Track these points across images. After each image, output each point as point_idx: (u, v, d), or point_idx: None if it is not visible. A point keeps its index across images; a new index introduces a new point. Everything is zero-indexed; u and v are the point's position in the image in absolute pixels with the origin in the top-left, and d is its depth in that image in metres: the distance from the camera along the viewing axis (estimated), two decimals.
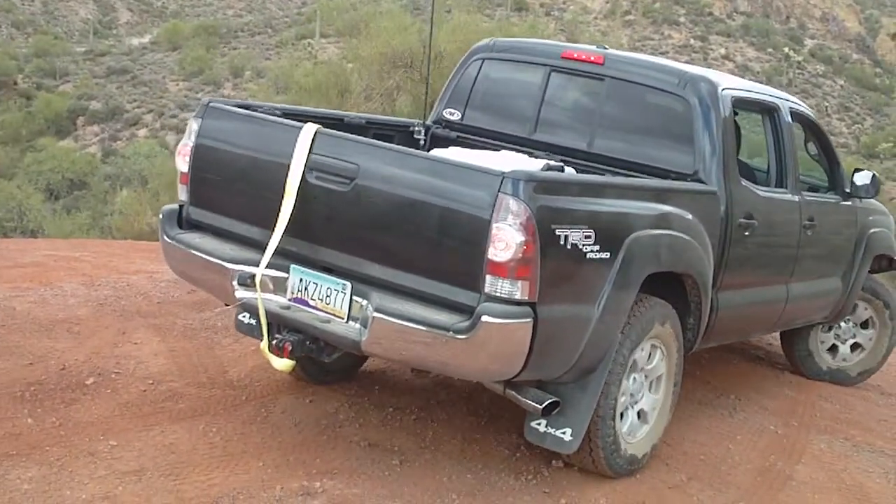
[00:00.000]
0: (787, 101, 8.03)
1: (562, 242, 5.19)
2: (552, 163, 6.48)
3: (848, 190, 8.50)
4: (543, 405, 5.62)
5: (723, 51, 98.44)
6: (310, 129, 5.72)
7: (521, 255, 4.97)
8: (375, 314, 5.24)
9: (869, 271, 9.02)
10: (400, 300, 5.32)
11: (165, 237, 6.21)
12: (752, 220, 6.95)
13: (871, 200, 8.94)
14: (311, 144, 5.65)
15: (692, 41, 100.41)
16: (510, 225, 4.96)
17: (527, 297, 5.06)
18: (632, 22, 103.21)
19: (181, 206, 6.28)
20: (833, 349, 9.35)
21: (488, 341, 5.06)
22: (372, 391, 7.05)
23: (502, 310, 5.02)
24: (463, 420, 6.73)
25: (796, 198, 7.74)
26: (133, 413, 6.33)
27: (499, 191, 5.00)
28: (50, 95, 78.99)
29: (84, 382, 6.67)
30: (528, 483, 6.00)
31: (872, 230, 8.95)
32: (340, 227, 5.61)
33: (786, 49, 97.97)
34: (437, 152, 6.79)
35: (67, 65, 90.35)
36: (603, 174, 6.82)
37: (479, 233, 5.04)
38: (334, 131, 5.92)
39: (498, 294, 5.02)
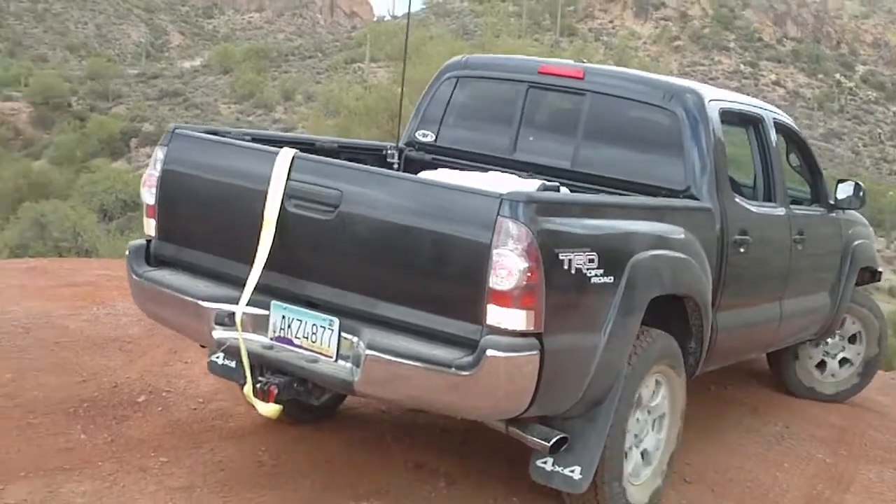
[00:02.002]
0: (770, 111, 7.82)
1: (566, 267, 4.87)
2: (548, 182, 6.16)
3: (832, 202, 8.31)
4: (551, 442, 5.24)
5: (773, 77, 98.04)
6: (287, 153, 5.38)
7: (525, 282, 4.64)
8: (368, 352, 4.89)
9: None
10: (394, 335, 4.97)
11: (133, 275, 5.83)
12: (746, 237, 6.70)
13: (852, 212, 8.80)
14: (289, 170, 5.31)
15: (742, 67, 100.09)
16: (512, 250, 4.64)
17: (532, 328, 4.72)
18: (681, 48, 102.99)
19: (149, 241, 5.90)
20: (821, 365, 9.16)
21: (494, 377, 4.72)
22: (419, 412, 7.07)
23: (508, 342, 4.68)
24: (510, 443, 6.74)
25: (786, 212, 7.54)
26: (183, 431, 6.41)
27: (498, 214, 4.68)
28: (103, 117, 79.92)
29: (135, 400, 6.78)
30: None
31: (856, 242, 8.78)
32: (325, 259, 5.27)
33: (837, 75, 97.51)
34: (426, 174, 6.45)
35: (120, 87, 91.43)
36: (589, 194, 6.47)
37: (478, 260, 4.71)
38: (314, 155, 5.64)
39: (502, 326, 4.69)
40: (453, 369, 4.69)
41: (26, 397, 6.67)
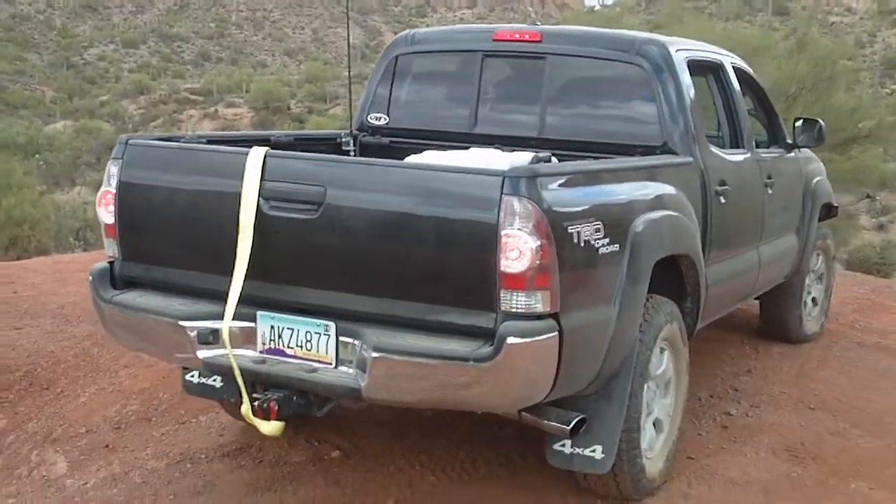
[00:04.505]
0: (727, 55, 7.62)
1: (575, 240, 4.67)
2: (540, 154, 5.95)
3: (790, 141, 8.28)
4: (571, 425, 5.07)
5: None
6: (258, 152, 5.02)
7: (538, 261, 4.43)
8: (374, 354, 4.61)
9: None
10: (399, 334, 4.71)
11: (100, 301, 5.45)
12: (726, 187, 6.54)
13: (806, 150, 8.71)
14: (262, 170, 4.98)
15: None
16: (521, 229, 4.43)
17: (549, 309, 4.52)
18: None
19: (111, 263, 5.51)
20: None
21: (516, 365, 4.51)
22: None
23: (526, 327, 4.48)
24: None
25: (754, 157, 7.41)
26: None
27: (502, 192, 4.45)
28: (321, 119, 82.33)
29: None
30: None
31: (815, 179, 8.78)
32: (312, 261, 4.95)
33: None
34: (412, 158, 6.17)
35: (337, 89, 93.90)
36: (562, 160, 5.99)
37: (486, 244, 4.47)
38: (289, 152, 5.46)
39: (517, 310, 4.48)
40: (471, 362, 4.48)
41: None
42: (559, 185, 4.74)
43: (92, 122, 76.51)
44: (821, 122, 8.36)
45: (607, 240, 4.91)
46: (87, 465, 6.36)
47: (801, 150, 8.56)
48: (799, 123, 8.28)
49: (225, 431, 6.61)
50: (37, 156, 56.57)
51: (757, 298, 8.75)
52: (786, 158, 8.26)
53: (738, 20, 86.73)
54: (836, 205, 9.32)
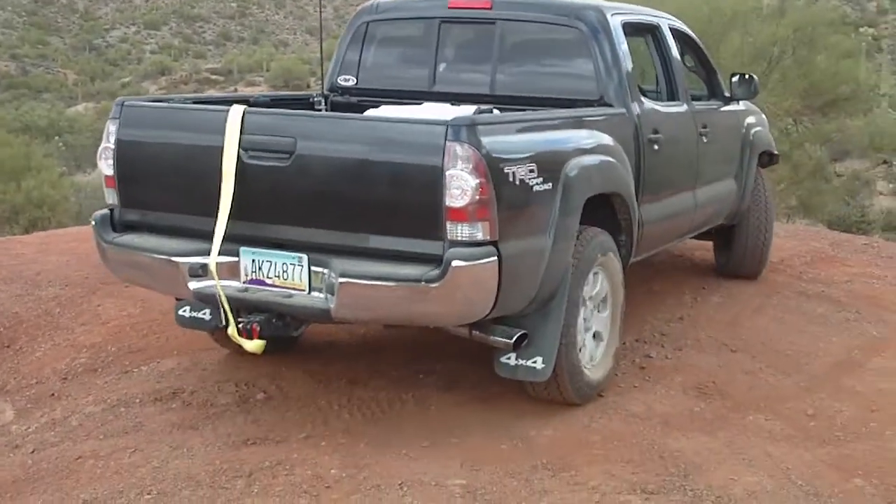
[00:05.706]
0: (665, 18, 8.34)
1: (511, 179, 5.42)
2: (483, 107, 6.68)
3: (728, 94, 8.94)
4: (513, 339, 5.85)
5: None
6: (237, 109, 5.77)
7: (478, 197, 5.18)
8: (341, 279, 5.38)
9: None
10: (361, 262, 5.47)
11: (103, 243, 6.21)
12: (658, 135, 7.26)
13: (747, 102, 9.43)
14: (241, 125, 5.71)
15: None
16: (463, 170, 5.17)
17: (488, 237, 5.28)
18: None
19: (111, 210, 6.28)
20: None
21: (460, 285, 5.28)
22: None
23: (469, 252, 5.23)
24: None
25: (689, 108, 8.10)
26: None
27: (446, 139, 5.18)
28: None
29: None
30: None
31: (755, 129, 9.47)
32: (286, 202, 5.70)
33: None
34: (371, 112, 7.00)
35: None
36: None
37: (433, 183, 5.22)
38: (264, 109, 6.15)
39: (461, 238, 5.24)
40: (423, 283, 5.25)
41: None
42: (496, 133, 5.49)
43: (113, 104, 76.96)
44: (755, 77, 8.94)
45: (541, 179, 5.68)
46: (33, 413, 6.75)
47: (742, 102, 9.29)
48: (735, 79, 8.86)
49: (162, 379, 7.00)
50: (57, 138, 57.09)
51: (711, 240, 9.72)
52: (722, 111, 8.98)
53: None
54: (776, 153, 9.96)
